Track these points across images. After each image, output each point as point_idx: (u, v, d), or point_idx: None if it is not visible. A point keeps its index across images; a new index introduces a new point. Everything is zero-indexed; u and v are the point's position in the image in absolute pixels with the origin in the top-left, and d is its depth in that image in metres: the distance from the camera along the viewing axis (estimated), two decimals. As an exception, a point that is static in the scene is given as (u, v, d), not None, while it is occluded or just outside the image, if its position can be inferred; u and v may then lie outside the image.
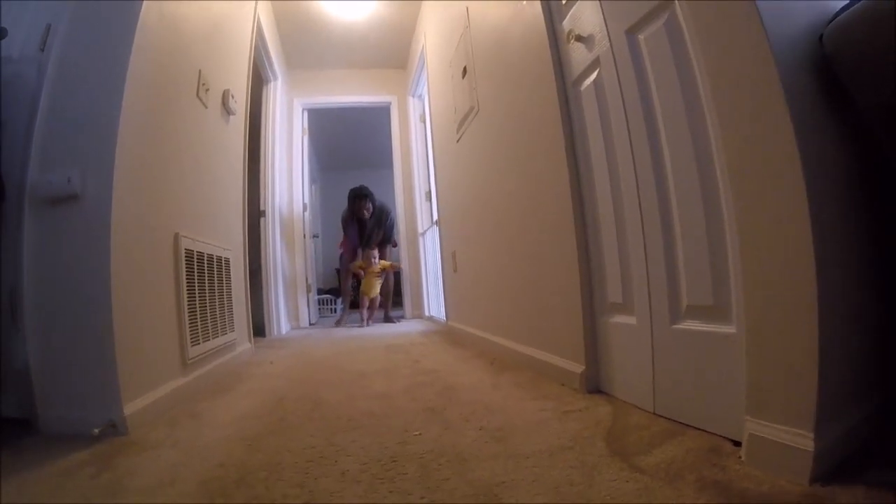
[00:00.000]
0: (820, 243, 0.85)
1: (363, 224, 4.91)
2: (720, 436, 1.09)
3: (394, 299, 5.31)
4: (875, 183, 1.04)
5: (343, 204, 5.09)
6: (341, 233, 5.20)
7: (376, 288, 4.83)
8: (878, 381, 1.03)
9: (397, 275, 5.31)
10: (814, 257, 0.84)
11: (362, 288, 4.87)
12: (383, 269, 4.87)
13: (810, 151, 0.87)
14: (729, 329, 1.08)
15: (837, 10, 0.99)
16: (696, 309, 1.19)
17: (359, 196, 4.83)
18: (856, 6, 0.93)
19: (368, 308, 4.87)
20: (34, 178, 1.48)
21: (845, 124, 1.00)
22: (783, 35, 0.92)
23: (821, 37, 0.98)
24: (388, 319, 4.95)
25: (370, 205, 4.85)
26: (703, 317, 1.16)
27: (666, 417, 1.27)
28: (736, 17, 0.96)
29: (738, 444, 1.02)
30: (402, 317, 5.34)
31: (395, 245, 5.31)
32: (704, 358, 1.15)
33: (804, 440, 0.85)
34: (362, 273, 4.82)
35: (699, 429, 1.15)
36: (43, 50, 1.56)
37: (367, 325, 4.74)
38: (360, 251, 4.97)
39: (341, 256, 5.17)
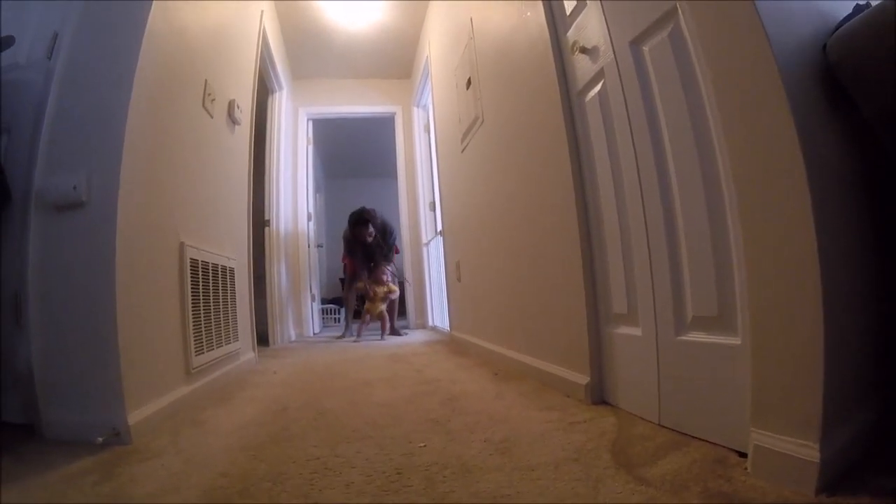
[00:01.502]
0: (825, 254, 0.85)
1: (366, 246, 4.68)
2: (725, 447, 1.08)
3: (398, 309, 5.20)
4: (879, 191, 1.04)
5: (346, 212, 4.85)
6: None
7: (380, 307, 4.66)
8: (881, 387, 1.02)
9: (401, 287, 5.18)
10: (819, 268, 0.84)
11: (367, 307, 4.69)
12: (389, 292, 4.69)
13: (815, 161, 0.87)
14: (734, 340, 1.07)
15: (840, 19, 0.99)
16: (701, 320, 1.18)
17: (359, 222, 4.56)
18: (858, 16, 0.94)
19: (375, 322, 4.71)
20: (40, 184, 1.49)
21: (849, 133, 1.01)
22: (787, 45, 0.93)
23: (824, 46, 0.99)
24: (394, 332, 4.77)
25: (372, 229, 4.59)
26: (709, 328, 1.16)
27: (671, 429, 1.26)
28: (740, 28, 0.97)
29: (743, 455, 1.01)
30: (406, 327, 5.30)
31: (397, 251, 5.09)
32: (709, 369, 1.15)
33: (809, 451, 0.85)
34: (371, 293, 4.63)
35: (704, 440, 1.14)
36: (50, 58, 1.58)
37: (384, 338, 4.53)
38: (364, 272, 4.73)
39: (345, 267, 4.99)
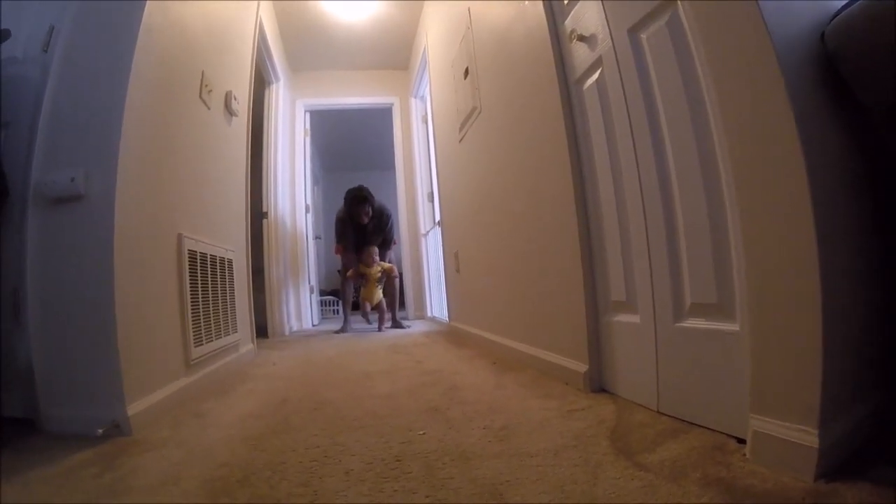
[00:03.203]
0: (823, 240, 0.85)
1: (362, 229, 4.44)
2: (724, 433, 1.08)
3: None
4: (878, 180, 1.04)
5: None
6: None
7: (378, 294, 4.46)
8: (880, 376, 1.02)
9: (401, 278, 5.05)
10: (817, 255, 0.84)
11: (363, 295, 4.50)
12: (383, 272, 4.46)
13: (813, 149, 0.87)
14: (733, 327, 1.08)
15: (839, 7, 0.99)
16: (699, 307, 1.19)
17: (357, 199, 4.31)
18: (856, 4, 0.93)
19: (373, 312, 4.51)
20: (38, 177, 1.48)
21: (848, 121, 1.00)
22: (785, 33, 0.92)
23: (822, 34, 0.98)
24: (396, 325, 4.55)
25: (370, 209, 4.35)
26: (707, 315, 1.16)
27: (670, 416, 1.26)
28: (738, 16, 0.96)
29: (742, 441, 1.01)
30: (406, 317, 5.26)
31: (394, 243, 4.90)
32: (708, 356, 1.15)
33: (809, 437, 0.85)
34: (362, 281, 4.45)
35: (703, 427, 1.15)
36: (46, 51, 1.57)
37: (382, 329, 4.38)
38: (355, 257, 4.53)
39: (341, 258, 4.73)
